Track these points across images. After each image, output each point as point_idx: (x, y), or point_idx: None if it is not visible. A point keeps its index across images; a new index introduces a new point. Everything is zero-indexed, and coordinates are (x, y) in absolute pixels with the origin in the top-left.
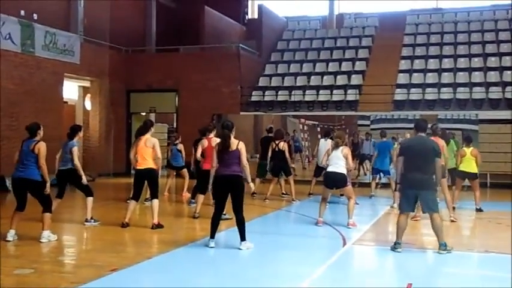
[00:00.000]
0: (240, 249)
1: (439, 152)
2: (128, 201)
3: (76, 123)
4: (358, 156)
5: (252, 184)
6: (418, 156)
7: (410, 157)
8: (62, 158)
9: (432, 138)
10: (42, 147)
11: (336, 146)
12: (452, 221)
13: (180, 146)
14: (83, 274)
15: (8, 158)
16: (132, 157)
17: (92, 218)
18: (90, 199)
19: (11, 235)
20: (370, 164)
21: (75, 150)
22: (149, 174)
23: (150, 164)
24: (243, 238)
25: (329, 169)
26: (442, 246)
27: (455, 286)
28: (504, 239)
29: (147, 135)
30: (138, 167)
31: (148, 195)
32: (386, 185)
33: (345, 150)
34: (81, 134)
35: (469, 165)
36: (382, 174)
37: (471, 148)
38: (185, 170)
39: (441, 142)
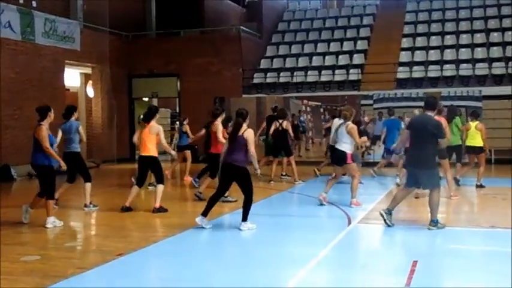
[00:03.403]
0: (239, 229)
1: (441, 131)
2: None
3: (71, 104)
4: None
5: (259, 171)
6: (418, 134)
7: (415, 136)
8: (65, 141)
9: (436, 118)
10: (39, 131)
11: (344, 120)
12: (452, 196)
13: (186, 127)
14: (89, 260)
15: (11, 147)
16: (135, 140)
17: (90, 203)
18: (88, 185)
19: (50, 221)
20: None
21: (81, 128)
22: (151, 161)
23: (152, 151)
24: (244, 219)
25: (336, 146)
26: (433, 223)
27: (461, 262)
28: (510, 214)
29: (152, 122)
30: (141, 154)
31: (152, 180)
32: (391, 164)
33: (349, 126)
34: (76, 114)
35: (474, 139)
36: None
37: (476, 122)
38: (188, 152)
39: (444, 122)
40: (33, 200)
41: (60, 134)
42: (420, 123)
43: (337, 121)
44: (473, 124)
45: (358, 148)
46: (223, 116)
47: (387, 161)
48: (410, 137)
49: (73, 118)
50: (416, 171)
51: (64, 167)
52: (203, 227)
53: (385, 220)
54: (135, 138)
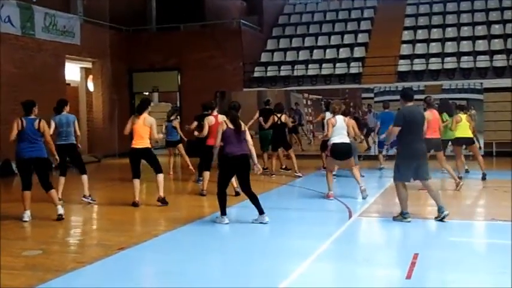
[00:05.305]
0: (263, 223)
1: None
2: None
3: (63, 98)
4: (365, 129)
5: (258, 165)
6: (418, 126)
7: (413, 128)
8: (58, 133)
9: (428, 111)
10: (46, 125)
11: (333, 114)
12: (457, 185)
13: (175, 123)
14: (90, 254)
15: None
16: (126, 133)
17: (89, 195)
18: (84, 176)
19: (27, 215)
20: (373, 137)
21: (76, 122)
22: (146, 153)
23: (146, 143)
24: (261, 211)
25: (336, 140)
26: (440, 212)
27: (462, 255)
28: (510, 207)
29: (145, 114)
30: (134, 146)
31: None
32: (392, 157)
33: (346, 119)
34: (67, 108)
35: (465, 130)
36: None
37: (466, 114)
38: (180, 146)
39: (436, 115)
40: (49, 198)
41: (53, 126)
42: (417, 116)
43: (328, 115)
44: (463, 116)
45: (355, 140)
46: (217, 109)
47: (383, 153)
48: (410, 131)
49: (64, 112)
50: (419, 162)
51: (57, 160)
52: (220, 223)
53: (404, 219)
54: (127, 132)
